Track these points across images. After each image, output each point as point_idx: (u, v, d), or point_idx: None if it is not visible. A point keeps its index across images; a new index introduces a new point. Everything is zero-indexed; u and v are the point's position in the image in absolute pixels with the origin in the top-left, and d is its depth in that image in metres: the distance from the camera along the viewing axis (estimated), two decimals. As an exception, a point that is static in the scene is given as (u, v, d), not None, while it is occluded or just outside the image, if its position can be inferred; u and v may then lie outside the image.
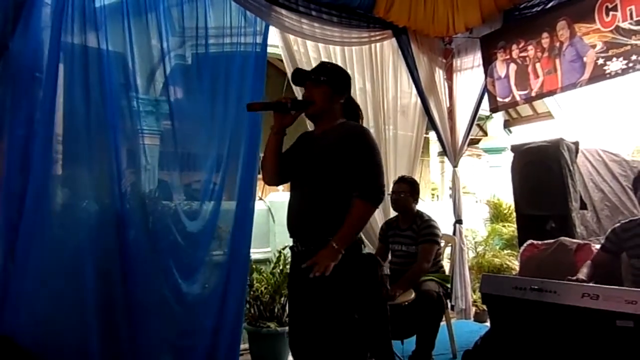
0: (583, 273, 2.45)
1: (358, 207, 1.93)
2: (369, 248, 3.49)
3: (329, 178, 1.97)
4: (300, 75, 2.12)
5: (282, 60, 3.51)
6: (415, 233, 3.18)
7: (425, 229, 3.15)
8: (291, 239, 2.10)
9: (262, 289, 3.48)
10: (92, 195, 2.49)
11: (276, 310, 3.51)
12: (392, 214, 3.43)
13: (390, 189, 3.31)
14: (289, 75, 3.40)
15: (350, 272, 1.93)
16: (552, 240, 3.12)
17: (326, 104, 2.06)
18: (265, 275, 3.58)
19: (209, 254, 2.84)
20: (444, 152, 4.40)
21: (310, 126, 3.00)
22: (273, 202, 4.12)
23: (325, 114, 2.07)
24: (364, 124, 2.28)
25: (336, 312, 1.90)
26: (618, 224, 2.60)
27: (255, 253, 3.63)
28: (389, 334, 2.57)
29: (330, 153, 1.98)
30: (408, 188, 3.26)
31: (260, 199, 4.12)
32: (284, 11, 3.16)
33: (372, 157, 1.98)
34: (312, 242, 1.94)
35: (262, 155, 2.20)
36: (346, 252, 1.91)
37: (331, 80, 2.07)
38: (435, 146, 8.53)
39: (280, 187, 4.64)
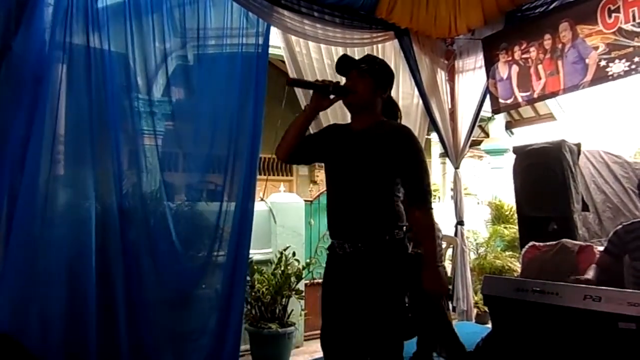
0: (589, 275, 2.45)
1: (420, 218, 1.95)
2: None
3: (378, 177, 1.95)
4: (345, 63, 2.06)
5: (283, 61, 3.51)
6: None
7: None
8: (334, 240, 2.04)
9: (264, 289, 3.48)
10: (94, 195, 2.48)
11: (277, 311, 3.51)
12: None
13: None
14: (291, 75, 3.41)
15: (399, 272, 1.93)
16: (554, 242, 3.11)
17: (368, 96, 2.02)
18: (266, 276, 3.58)
19: (209, 254, 2.84)
20: (445, 154, 4.39)
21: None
22: (274, 203, 4.12)
23: (365, 106, 2.03)
24: None
25: (388, 311, 1.90)
26: (620, 226, 2.60)
27: (257, 254, 3.62)
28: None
29: (379, 153, 1.95)
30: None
31: (262, 199, 4.12)
32: (285, 12, 3.16)
33: (422, 162, 1.99)
34: (363, 242, 1.92)
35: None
36: (394, 252, 1.93)
37: (375, 73, 2.04)
38: (436, 147, 8.51)
39: (282, 188, 4.64)
